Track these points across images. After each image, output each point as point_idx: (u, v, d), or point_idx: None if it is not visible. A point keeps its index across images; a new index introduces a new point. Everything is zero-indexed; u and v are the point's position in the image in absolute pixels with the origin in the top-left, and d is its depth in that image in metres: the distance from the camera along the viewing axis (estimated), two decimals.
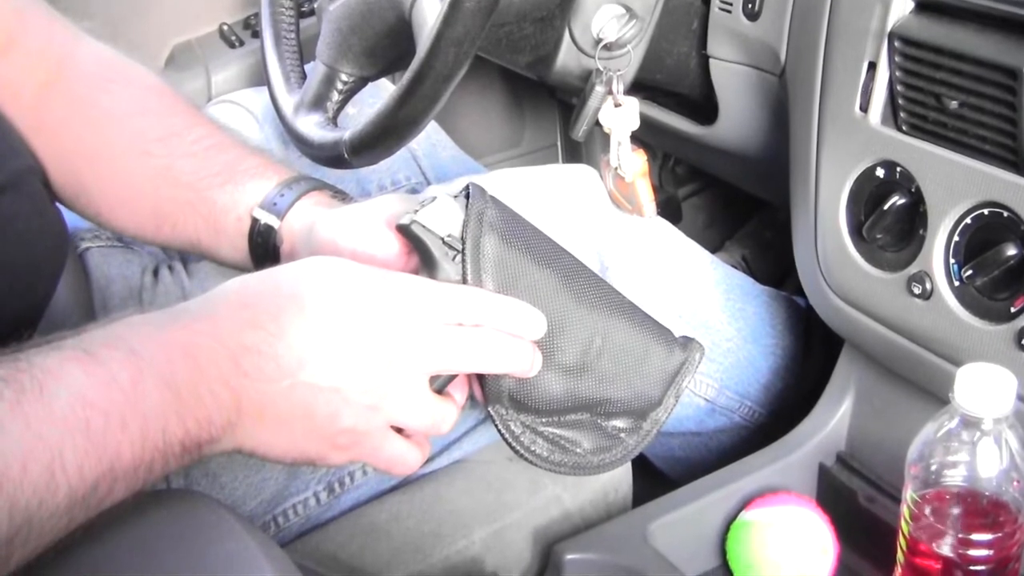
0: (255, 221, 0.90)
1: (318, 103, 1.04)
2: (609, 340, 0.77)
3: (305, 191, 0.91)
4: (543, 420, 0.78)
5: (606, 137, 1.07)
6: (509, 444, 0.78)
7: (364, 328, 0.69)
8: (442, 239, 0.73)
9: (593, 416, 0.79)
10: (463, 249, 0.73)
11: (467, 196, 0.76)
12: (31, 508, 0.55)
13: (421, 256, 0.75)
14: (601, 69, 1.06)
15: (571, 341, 0.75)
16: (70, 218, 0.95)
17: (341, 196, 0.95)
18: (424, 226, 0.73)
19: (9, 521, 0.54)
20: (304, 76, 1.10)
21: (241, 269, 0.95)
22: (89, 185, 0.93)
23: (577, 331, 0.76)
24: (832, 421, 0.98)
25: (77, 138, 0.92)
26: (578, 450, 0.79)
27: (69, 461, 0.57)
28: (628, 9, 1.08)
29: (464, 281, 0.73)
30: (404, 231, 0.75)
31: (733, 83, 1.09)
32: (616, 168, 1.06)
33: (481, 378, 0.76)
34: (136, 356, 0.62)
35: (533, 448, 0.78)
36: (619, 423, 0.80)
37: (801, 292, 1.00)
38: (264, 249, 0.91)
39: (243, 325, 0.67)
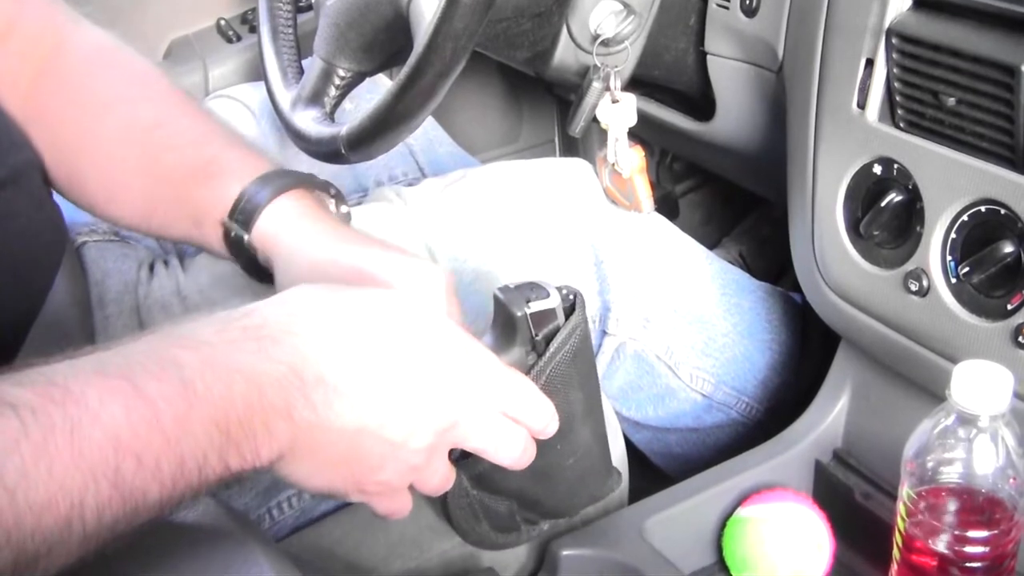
0: (227, 229, 0.86)
1: (315, 98, 1.04)
2: (578, 462, 0.79)
3: (270, 198, 0.83)
4: (477, 487, 0.78)
5: (603, 133, 1.07)
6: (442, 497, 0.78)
7: (439, 392, 0.66)
8: (534, 339, 0.73)
9: (512, 502, 0.81)
10: (545, 352, 0.73)
11: (571, 302, 0.75)
12: (40, 554, 0.51)
13: (504, 332, 0.74)
14: (599, 65, 1.06)
15: (557, 454, 0.77)
16: (67, 212, 0.94)
17: (322, 189, 0.90)
18: (529, 320, 0.73)
19: (15, 566, 0.51)
20: (301, 71, 1.10)
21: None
22: (83, 175, 0.92)
23: (567, 447, 0.77)
24: (828, 418, 0.98)
25: (69, 127, 0.91)
26: (485, 525, 0.81)
27: (89, 508, 0.53)
28: (626, 5, 1.08)
29: (526, 372, 0.73)
30: (506, 314, 0.74)
31: (731, 79, 1.08)
32: (613, 164, 1.06)
33: None
34: (188, 390, 0.57)
35: (455, 508, 0.78)
36: (528, 515, 0.82)
37: (798, 289, 1.01)
38: (242, 256, 0.87)
39: (327, 351, 0.62)
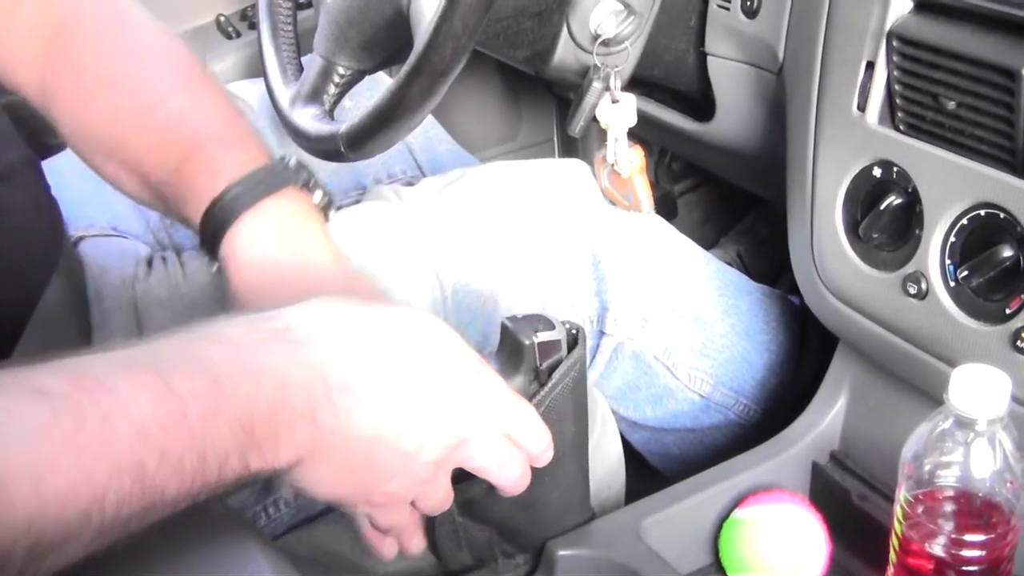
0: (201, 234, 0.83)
1: (315, 96, 1.04)
2: (562, 496, 0.82)
3: (237, 213, 0.79)
4: (465, 514, 0.80)
5: (603, 133, 1.07)
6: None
7: (452, 408, 0.67)
8: (538, 368, 0.76)
9: (493, 532, 0.82)
10: (547, 382, 0.76)
11: (574, 336, 0.78)
12: (53, 545, 0.51)
13: (510, 359, 0.77)
14: (599, 65, 1.06)
15: (545, 485, 0.79)
16: (65, 208, 0.94)
17: (305, 188, 0.85)
18: (536, 350, 0.76)
19: (29, 555, 0.50)
20: (301, 68, 1.10)
21: None
22: (102, 153, 0.89)
23: (554, 479, 0.79)
24: (826, 419, 0.98)
25: (79, 104, 0.87)
26: (466, 553, 0.83)
27: (110, 502, 0.52)
28: (626, 5, 1.08)
29: (528, 399, 0.75)
30: (513, 342, 0.77)
31: (731, 80, 1.08)
32: (613, 164, 1.06)
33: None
34: (216, 387, 0.57)
35: (440, 533, 0.80)
36: (506, 548, 0.84)
37: (796, 291, 1.00)
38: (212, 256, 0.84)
39: (350, 359, 0.63)
